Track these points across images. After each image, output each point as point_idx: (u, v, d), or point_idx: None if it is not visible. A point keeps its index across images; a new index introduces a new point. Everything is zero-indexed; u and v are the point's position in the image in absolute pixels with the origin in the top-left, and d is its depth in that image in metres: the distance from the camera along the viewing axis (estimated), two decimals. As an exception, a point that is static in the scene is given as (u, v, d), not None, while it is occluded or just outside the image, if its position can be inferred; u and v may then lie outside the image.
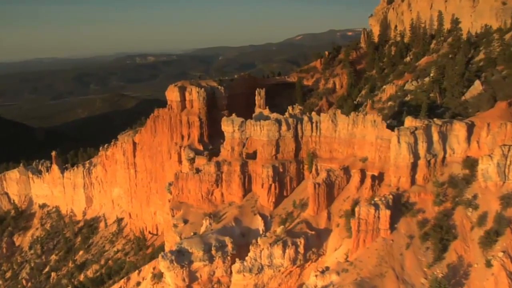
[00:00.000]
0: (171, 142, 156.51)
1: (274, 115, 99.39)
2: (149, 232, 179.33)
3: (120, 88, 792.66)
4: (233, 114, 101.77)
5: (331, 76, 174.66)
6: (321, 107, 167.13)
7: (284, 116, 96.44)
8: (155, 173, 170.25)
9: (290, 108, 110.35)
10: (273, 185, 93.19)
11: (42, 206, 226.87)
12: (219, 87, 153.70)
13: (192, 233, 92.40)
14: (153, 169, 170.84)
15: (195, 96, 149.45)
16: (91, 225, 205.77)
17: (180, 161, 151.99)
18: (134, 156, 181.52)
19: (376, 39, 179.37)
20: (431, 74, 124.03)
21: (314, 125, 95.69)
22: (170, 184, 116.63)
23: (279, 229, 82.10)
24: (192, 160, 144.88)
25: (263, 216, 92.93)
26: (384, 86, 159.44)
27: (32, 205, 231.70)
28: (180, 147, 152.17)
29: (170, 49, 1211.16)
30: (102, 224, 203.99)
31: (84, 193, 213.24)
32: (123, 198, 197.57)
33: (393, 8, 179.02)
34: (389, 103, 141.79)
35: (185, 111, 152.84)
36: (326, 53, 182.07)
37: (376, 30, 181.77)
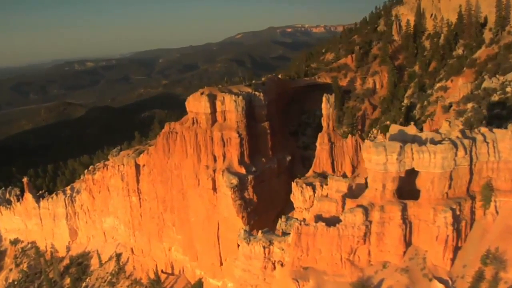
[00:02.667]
0: (198, 165, 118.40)
1: (432, 134, 65.27)
2: (162, 271, 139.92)
3: (62, 96, 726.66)
4: (379, 136, 65.86)
5: (367, 74, 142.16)
6: (364, 111, 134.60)
7: (458, 137, 62.13)
8: (171, 202, 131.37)
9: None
10: (450, 235, 59.04)
11: (14, 242, 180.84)
12: (257, 93, 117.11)
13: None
14: (168, 197, 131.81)
15: (231, 106, 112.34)
16: (80, 263, 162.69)
17: (214, 189, 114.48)
18: (138, 182, 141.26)
19: (412, 30, 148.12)
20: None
21: (490, 145, 62.29)
22: (249, 234, 79.36)
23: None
24: (235, 188, 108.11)
25: (443, 282, 58.70)
26: (439, 84, 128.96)
27: (1, 242, 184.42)
28: (214, 171, 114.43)
29: (108, 54, 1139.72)
30: (94, 261, 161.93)
31: (67, 224, 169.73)
32: (120, 230, 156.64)
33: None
34: (469, 104, 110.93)
35: (217, 125, 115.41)
36: (357, 48, 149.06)
37: (409, 20, 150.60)
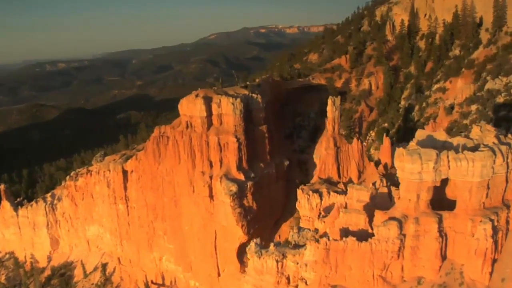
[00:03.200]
0: (192, 171, 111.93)
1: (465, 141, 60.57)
2: (152, 282, 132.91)
3: (33, 98, 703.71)
4: (411, 143, 60.63)
5: (362, 75, 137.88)
6: (361, 113, 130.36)
7: (494, 143, 57.53)
8: (162, 210, 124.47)
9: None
10: (489, 248, 54.53)
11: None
12: (254, 95, 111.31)
13: None
14: (159, 205, 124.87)
15: (228, 108, 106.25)
16: (63, 274, 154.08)
17: (211, 196, 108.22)
18: (125, 189, 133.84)
19: (406, 30, 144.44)
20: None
21: (525, 151, 58.05)
22: (260, 247, 73.61)
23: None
24: (235, 195, 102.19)
25: (482, 300, 54.23)
26: (437, 85, 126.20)
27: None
28: (211, 177, 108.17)
29: (80, 55, 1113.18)
30: (78, 272, 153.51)
31: (47, 233, 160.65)
32: (106, 238, 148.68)
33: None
34: (473, 106, 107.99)
35: (213, 129, 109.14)
36: (350, 48, 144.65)
37: (404, 20, 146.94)
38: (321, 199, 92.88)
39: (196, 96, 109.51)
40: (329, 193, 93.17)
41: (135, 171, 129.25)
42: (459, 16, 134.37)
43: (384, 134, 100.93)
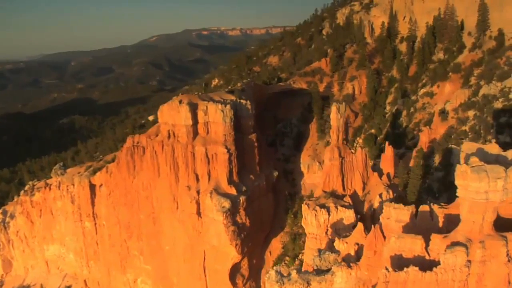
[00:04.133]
0: (176, 186, 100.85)
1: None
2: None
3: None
4: (473, 159, 52.70)
5: (345, 79, 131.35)
6: (347, 119, 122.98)
7: None
8: (137, 228, 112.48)
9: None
10: None
11: None
12: (243, 101, 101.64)
13: None
14: (134, 223, 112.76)
15: (217, 116, 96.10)
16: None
17: (199, 213, 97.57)
18: (93, 204, 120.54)
19: (386, 33, 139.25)
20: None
21: None
22: (281, 275, 64.20)
23: None
24: (228, 212, 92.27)
25: None
26: (423, 90, 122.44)
27: None
28: (198, 192, 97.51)
29: (15, 56, 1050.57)
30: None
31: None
32: (68, 259, 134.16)
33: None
34: (470, 112, 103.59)
35: (199, 139, 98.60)
36: (330, 51, 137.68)
37: (384, 22, 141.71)
38: (328, 214, 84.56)
39: (180, 102, 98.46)
40: (336, 208, 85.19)
41: (106, 186, 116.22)
42: (441, 19, 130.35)
43: (386, 144, 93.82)
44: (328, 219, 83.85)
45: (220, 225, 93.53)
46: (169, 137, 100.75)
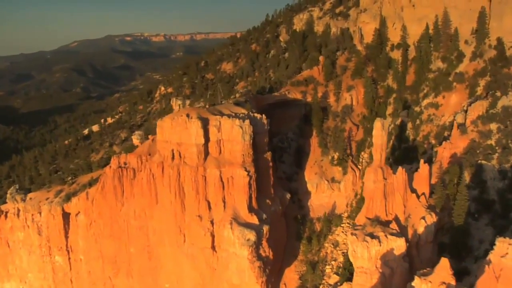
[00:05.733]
0: (182, 215, 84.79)
1: None
2: None
3: None
4: None
5: (340, 89, 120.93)
6: (349, 132, 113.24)
7: None
8: (127, 264, 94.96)
9: None
10: None
11: None
12: (257, 115, 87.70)
13: None
14: (122, 257, 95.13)
15: (235, 133, 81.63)
16: None
17: (213, 247, 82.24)
18: (67, 236, 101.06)
19: (379, 40, 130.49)
20: None
21: None
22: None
23: None
24: (253, 245, 78.01)
25: None
26: (426, 100, 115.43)
27: None
28: (212, 222, 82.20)
29: None
30: None
31: None
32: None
33: (390, 2, 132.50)
34: (492, 125, 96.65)
35: (211, 160, 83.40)
36: (321, 58, 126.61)
37: (371, 29, 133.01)
38: (380, 245, 72.97)
39: (188, 116, 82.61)
40: (386, 237, 73.79)
41: (85, 214, 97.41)
42: (438, 27, 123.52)
43: (421, 162, 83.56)
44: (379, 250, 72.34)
45: (243, 261, 78.96)
46: (173, 158, 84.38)
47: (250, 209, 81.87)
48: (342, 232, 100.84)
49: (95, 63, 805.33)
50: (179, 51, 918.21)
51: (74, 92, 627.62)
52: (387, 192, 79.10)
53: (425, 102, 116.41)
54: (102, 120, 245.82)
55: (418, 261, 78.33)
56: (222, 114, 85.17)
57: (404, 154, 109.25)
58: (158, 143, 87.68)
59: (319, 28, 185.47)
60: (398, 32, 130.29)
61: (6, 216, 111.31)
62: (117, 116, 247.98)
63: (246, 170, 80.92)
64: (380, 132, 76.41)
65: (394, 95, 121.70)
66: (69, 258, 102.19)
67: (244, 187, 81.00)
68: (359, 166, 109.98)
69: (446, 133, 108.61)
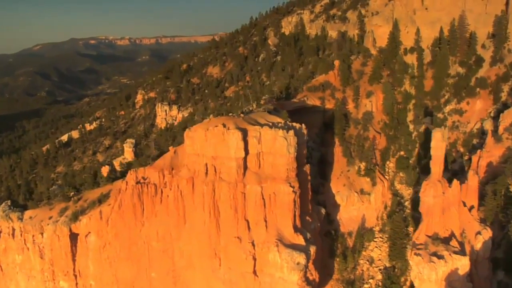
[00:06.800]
0: (217, 236, 75.38)
1: None
2: None
3: None
4: None
5: (358, 94, 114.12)
6: (373, 141, 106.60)
7: None
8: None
9: None
10: None
11: None
12: (296, 124, 79.39)
13: None
14: (140, 282, 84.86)
15: (277, 145, 72.87)
16: None
17: (254, 272, 73.33)
18: (74, 260, 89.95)
19: (393, 44, 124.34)
20: None
21: None
22: None
23: None
24: (304, 269, 69.79)
25: None
26: (449, 107, 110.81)
27: None
28: (252, 244, 73.31)
29: None
30: None
31: None
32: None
33: (402, 5, 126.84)
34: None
35: (250, 175, 74.43)
36: (337, 63, 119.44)
37: (384, 33, 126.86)
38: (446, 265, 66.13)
39: (225, 126, 73.35)
40: (450, 255, 67.04)
41: (98, 235, 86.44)
42: (454, 31, 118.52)
43: (471, 172, 77.43)
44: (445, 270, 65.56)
45: (292, 286, 70.21)
46: (206, 173, 74.90)
47: (296, 228, 73.25)
48: (376, 247, 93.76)
49: (59, 67, 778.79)
50: (145, 55, 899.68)
51: (40, 96, 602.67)
52: (444, 208, 72.29)
53: (447, 108, 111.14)
54: (80, 126, 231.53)
55: (477, 279, 72.07)
56: (259, 124, 76.22)
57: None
58: (187, 157, 77.88)
59: (311, 31, 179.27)
60: (411, 35, 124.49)
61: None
62: (96, 122, 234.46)
63: (290, 186, 72.24)
64: (440, 144, 69.51)
65: (413, 101, 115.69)
66: (76, 284, 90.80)
67: (288, 205, 72.32)
68: (386, 176, 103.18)
69: (475, 141, 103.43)
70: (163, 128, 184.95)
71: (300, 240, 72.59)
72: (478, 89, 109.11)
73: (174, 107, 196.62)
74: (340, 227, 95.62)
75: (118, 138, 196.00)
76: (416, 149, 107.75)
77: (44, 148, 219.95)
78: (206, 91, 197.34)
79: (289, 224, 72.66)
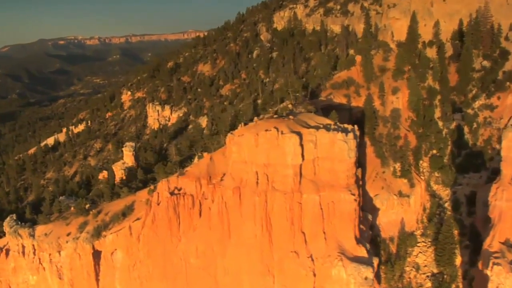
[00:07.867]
0: (270, 250, 67.46)
1: None
2: None
3: None
4: None
5: (383, 91, 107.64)
6: (405, 139, 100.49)
7: None
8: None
9: None
10: None
11: None
12: (347, 126, 72.03)
13: None
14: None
15: (336, 150, 65.45)
16: None
17: (314, 289, 65.77)
18: (97, 280, 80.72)
19: (413, 37, 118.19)
20: None
21: None
22: None
23: None
24: (372, 284, 62.65)
25: None
26: (479, 102, 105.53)
27: None
28: (311, 258, 65.76)
29: None
30: None
31: None
32: None
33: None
34: None
35: (306, 183, 66.70)
36: (358, 58, 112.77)
37: (402, 26, 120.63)
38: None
39: (279, 130, 65.32)
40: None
41: (128, 254, 77.15)
42: (477, 23, 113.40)
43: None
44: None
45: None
46: (257, 182, 66.80)
47: (357, 240, 66.04)
48: (420, 252, 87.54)
49: (29, 68, 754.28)
50: (116, 54, 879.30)
51: (11, 99, 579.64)
52: (511, 211, 66.19)
53: (477, 103, 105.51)
54: (66, 129, 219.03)
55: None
56: (312, 127, 68.56)
57: (468, 161, 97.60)
58: (231, 164, 69.49)
59: (308, 26, 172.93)
60: (429, 28, 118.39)
61: (7, 255, 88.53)
62: (82, 125, 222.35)
63: (351, 194, 64.97)
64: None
65: (438, 97, 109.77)
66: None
67: (350, 214, 65.07)
68: (421, 177, 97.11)
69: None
70: (155, 129, 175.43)
71: (362, 252, 65.48)
72: (508, 83, 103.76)
73: (167, 107, 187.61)
74: (381, 233, 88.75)
75: (109, 141, 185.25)
76: (449, 147, 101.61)
77: (30, 153, 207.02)
78: (199, 89, 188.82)
79: (350, 235, 65.35)
